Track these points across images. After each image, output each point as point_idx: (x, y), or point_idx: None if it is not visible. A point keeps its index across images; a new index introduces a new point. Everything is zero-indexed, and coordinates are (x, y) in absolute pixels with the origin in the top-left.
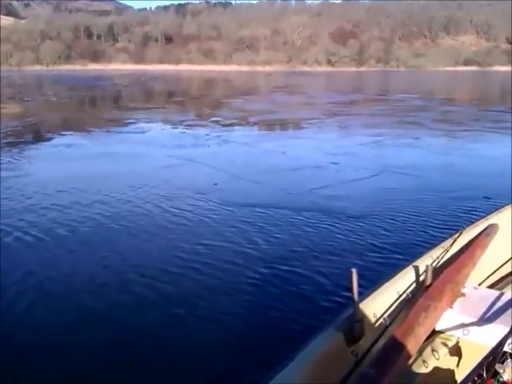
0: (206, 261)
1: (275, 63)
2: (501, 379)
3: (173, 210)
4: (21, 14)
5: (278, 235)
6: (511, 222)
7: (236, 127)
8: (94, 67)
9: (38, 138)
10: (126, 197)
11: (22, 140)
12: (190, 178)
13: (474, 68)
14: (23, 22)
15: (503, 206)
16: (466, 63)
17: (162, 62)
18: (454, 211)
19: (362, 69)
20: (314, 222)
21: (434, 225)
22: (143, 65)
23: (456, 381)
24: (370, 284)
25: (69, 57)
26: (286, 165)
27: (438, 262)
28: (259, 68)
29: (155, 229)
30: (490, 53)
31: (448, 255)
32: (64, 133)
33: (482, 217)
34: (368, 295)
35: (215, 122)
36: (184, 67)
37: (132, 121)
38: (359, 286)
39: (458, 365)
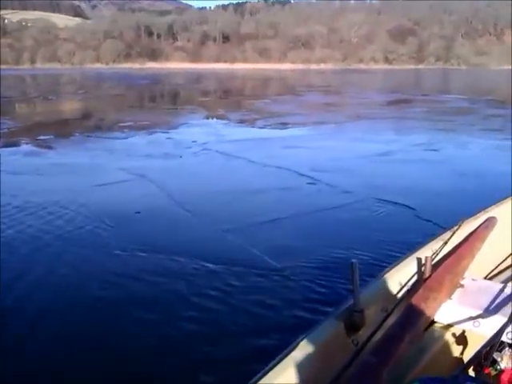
0: None
1: (330, 61)
2: (498, 367)
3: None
4: (88, 15)
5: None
6: (510, 215)
7: (233, 133)
8: (151, 66)
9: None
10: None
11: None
12: (114, 203)
13: None
14: (89, 22)
15: (502, 199)
16: None
17: (217, 60)
18: None
19: (421, 66)
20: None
21: None
22: (200, 63)
23: (455, 370)
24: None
25: (128, 55)
26: (251, 184)
27: (437, 254)
28: (314, 66)
29: None
30: None
31: (447, 247)
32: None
33: (481, 209)
34: (368, 286)
35: (217, 125)
36: (239, 66)
37: (128, 123)
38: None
39: (456, 354)
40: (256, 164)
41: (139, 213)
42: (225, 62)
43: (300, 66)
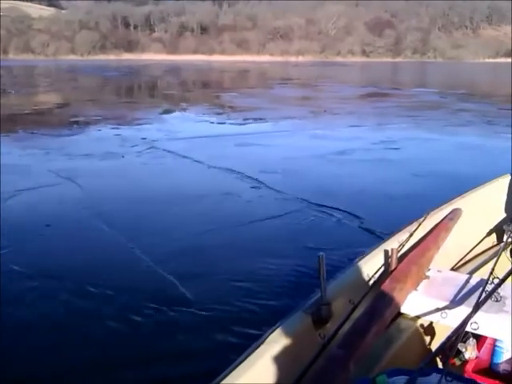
0: None
1: (308, 53)
2: (463, 358)
3: None
4: (63, 5)
5: None
6: (475, 206)
7: (188, 129)
8: (127, 57)
9: None
10: None
11: None
12: (24, 213)
13: None
14: (64, 12)
15: (467, 191)
16: (507, 55)
17: (195, 52)
18: None
19: (398, 59)
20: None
21: None
22: (177, 55)
23: (421, 360)
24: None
25: (104, 47)
26: (187, 189)
27: (403, 246)
28: (292, 58)
29: None
30: None
31: (413, 239)
32: None
33: (446, 201)
34: (335, 279)
35: (175, 120)
36: (216, 58)
37: (81, 118)
38: (326, 270)
39: (423, 346)
40: (202, 165)
41: (49, 226)
42: (202, 53)
43: (278, 58)
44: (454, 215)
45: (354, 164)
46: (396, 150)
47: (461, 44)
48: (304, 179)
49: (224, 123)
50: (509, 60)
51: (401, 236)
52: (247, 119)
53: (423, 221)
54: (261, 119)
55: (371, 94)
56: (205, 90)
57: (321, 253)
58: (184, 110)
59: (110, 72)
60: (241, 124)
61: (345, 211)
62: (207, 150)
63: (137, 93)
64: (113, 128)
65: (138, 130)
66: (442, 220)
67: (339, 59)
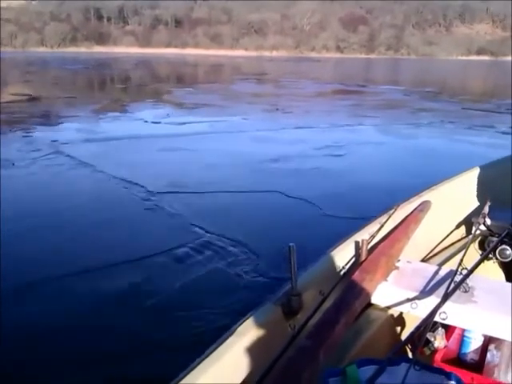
0: None
1: (283, 49)
2: (432, 347)
3: None
4: None
5: None
6: (443, 199)
7: (113, 129)
8: (99, 50)
9: None
10: None
11: None
12: None
13: (486, 58)
14: (34, 3)
15: (436, 184)
16: (479, 52)
17: (168, 45)
18: None
19: (372, 56)
20: None
21: None
22: (149, 48)
23: (390, 351)
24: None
25: (74, 39)
26: (70, 210)
27: (374, 237)
28: (266, 53)
29: None
30: (504, 42)
31: (383, 230)
32: None
33: (416, 193)
34: (306, 270)
35: (106, 118)
36: (190, 51)
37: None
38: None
39: (393, 336)
40: (104, 175)
41: None
42: (175, 47)
43: (253, 53)
44: (424, 207)
45: (282, 176)
46: (338, 158)
47: (434, 41)
48: (210, 201)
49: (159, 122)
50: (480, 58)
51: (371, 227)
52: (188, 118)
53: (393, 213)
54: (205, 117)
55: (335, 91)
56: (161, 84)
57: (291, 243)
58: (124, 106)
59: (72, 65)
60: (178, 124)
61: (245, 246)
62: (120, 156)
63: (84, 87)
64: (27, 128)
65: (54, 131)
66: (412, 212)
67: (314, 55)
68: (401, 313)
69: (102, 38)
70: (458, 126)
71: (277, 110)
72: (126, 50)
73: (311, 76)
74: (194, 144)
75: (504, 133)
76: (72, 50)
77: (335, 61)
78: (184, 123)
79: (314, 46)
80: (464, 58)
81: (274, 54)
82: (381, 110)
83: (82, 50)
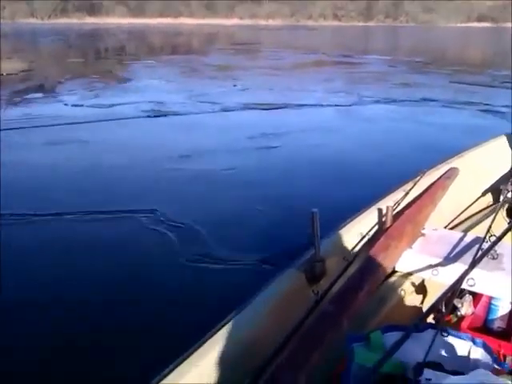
0: None
1: (278, 17)
2: (459, 313)
3: None
4: None
5: None
6: (471, 166)
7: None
8: (91, 21)
9: None
10: None
11: None
12: None
13: (487, 24)
14: None
15: (464, 151)
16: (479, 19)
17: (161, 15)
18: None
19: (370, 24)
20: None
21: None
22: (142, 18)
23: (415, 317)
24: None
25: (65, 10)
26: None
27: (399, 204)
28: (262, 22)
29: None
30: (505, 8)
31: (408, 197)
32: None
33: (443, 160)
34: (329, 236)
35: (20, 103)
36: (183, 21)
37: None
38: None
39: (416, 303)
40: None
41: None
42: (168, 16)
43: (248, 22)
44: (451, 174)
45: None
46: (268, 151)
47: (433, 8)
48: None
49: (81, 105)
50: (480, 25)
51: (395, 195)
52: (117, 99)
53: (419, 180)
54: (136, 99)
55: (315, 62)
56: (124, 57)
57: (314, 209)
58: (57, 84)
59: (44, 37)
60: (100, 107)
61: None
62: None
63: (36, 61)
64: None
65: None
66: (439, 179)
67: (311, 23)
68: (425, 280)
69: (93, 9)
70: (436, 106)
71: (234, 86)
72: (117, 20)
73: (298, 45)
74: (93, 134)
75: (488, 111)
76: (63, 21)
77: (332, 29)
78: (109, 106)
79: (310, 14)
80: (464, 24)
81: (270, 22)
82: (354, 86)
83: (74, 21)
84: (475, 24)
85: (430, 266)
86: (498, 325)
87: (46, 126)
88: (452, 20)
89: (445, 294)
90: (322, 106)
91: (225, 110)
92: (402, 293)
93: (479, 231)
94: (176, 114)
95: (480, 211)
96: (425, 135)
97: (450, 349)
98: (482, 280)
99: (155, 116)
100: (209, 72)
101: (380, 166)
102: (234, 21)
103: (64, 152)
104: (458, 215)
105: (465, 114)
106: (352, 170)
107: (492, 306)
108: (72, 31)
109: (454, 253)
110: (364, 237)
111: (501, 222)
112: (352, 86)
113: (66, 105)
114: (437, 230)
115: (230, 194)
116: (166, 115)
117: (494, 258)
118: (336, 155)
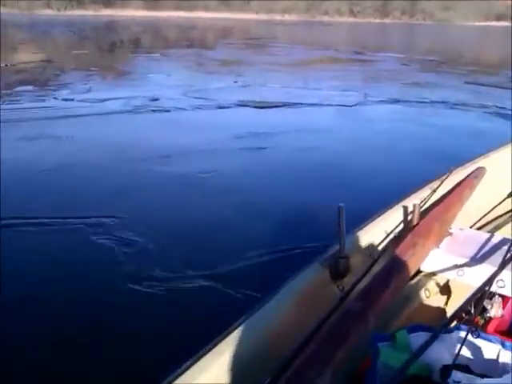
0: None
1: (294, 12)
2: (487, 315)
3: None
4: None
5: None
6: (498, 166)
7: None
8: (107, 13)
9: None
10: None
11: None
12: None
13: (506, 24)
14: None
15: (491, 151)
16: (498, 18)
17: (177, 9)
18: None
19: (386, 20)
20: None
21: None
22: (157, 11)
23: (441, 318)
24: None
25: (81, 1)
26: None
27: (426, 202)
28: (277, 17)
29: None
30: None
31: (435, 195)
32: None
33: (470, 159)
34: (355, 232)
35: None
36: (198, 15)
37: None
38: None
39: (442, 303)
40: None
41: None
42: (183, 10)
43: (263, 17)
44: (478, 173)
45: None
46: (253, 152)
47: (450, 6)
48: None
49: (72, 100)
50: (499, 24)
51: (422, 193)
52: (110, 94)
53: (446, 178)
54: (129, 93)
55: (325, 59)
56: (129, 49)
57: (341, 204)
58: (53, 77)
59: (51, 28)
60: (91, 101)
61: None
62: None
63: (40, 53)
64: None
65: None
66: (466, 178)
67: (326, 19)
68: (451, 280)
69: (109, 1)
70: (447, 108)
71: (235, 82)
72: (133, 13)
73: (310, 41)
74: (70, 130)
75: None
76: (79, 12)
77: (347, 25)
78: (100, 100)
79: (326, 9)
80: (482, 23)
81: (286, 17)
82: (361, 84)
83: (90, 12)
84: (494, 23)
85: (456, 267)
86: None
87: (24, 121)
88: (470, 18)
89: (474, 294)
90: (322, 105)
91: (219, 107)
92: (427, 293)
93: (506, 232)
94: (166, 110)
95: (507, 212)
96: (425, 139)
97: (478, 351)
98: (511, 282)
99: (144, 112)
100: (212, 67)
101: (369, 175)
102: (250, 15)
103: (32, 149)
104: (484, 215)
105: (475, 116)
106: (338, 176)
107: None
108: (86, 23)
109: (481, 254)
110: (389, 234)
111: None
112: (359, 84)
113: (55, 98)
114: (463, 230)
115: (203, 201)
116: (154, 111)
117: None
118: (323, 159)
